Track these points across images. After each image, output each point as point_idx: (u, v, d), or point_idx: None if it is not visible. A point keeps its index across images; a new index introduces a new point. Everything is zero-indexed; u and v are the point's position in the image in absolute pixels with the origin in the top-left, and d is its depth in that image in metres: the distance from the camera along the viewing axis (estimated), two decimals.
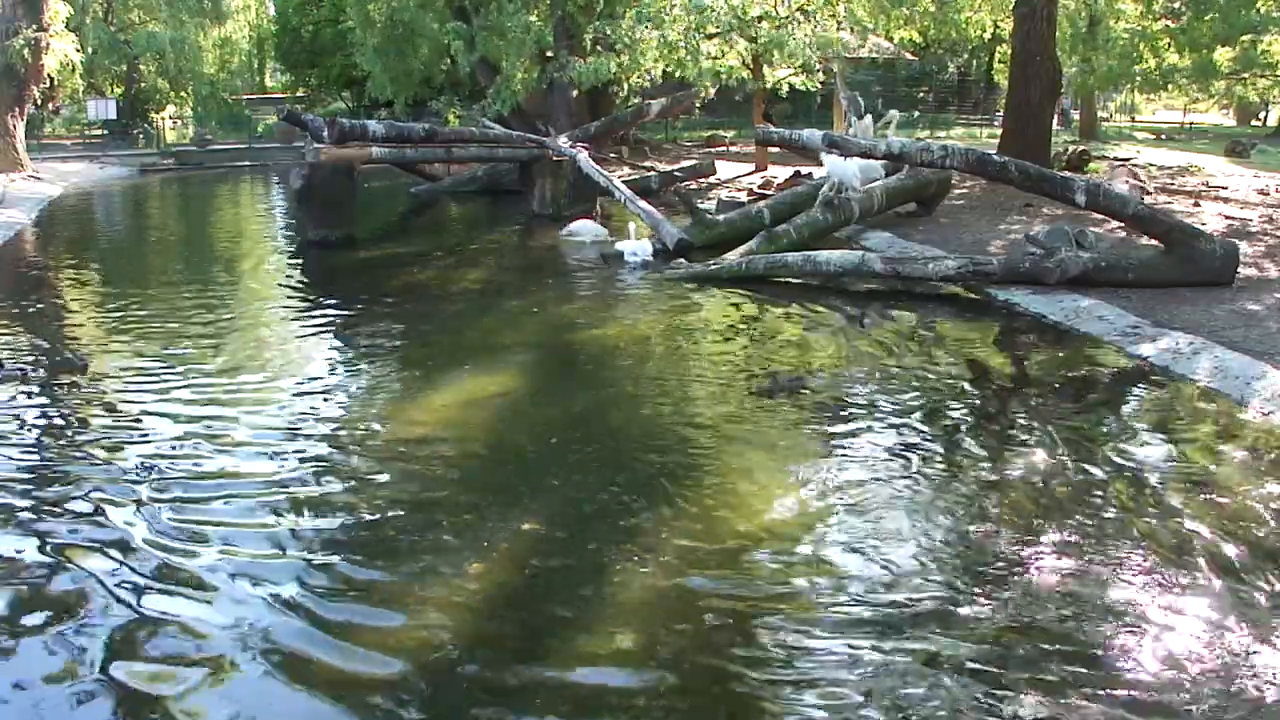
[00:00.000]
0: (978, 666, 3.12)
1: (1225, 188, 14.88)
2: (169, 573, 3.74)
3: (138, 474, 4.67)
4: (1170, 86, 18.90)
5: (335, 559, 3.86)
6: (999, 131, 17.93)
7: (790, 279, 8.98)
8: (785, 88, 19.66)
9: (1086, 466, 4.72)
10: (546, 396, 6.11)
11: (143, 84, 29.80)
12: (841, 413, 5.57)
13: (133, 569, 3.76)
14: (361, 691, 3.06)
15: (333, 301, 8.83)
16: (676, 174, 16.46)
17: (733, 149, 23.60)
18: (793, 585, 3.65)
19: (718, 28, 17.97)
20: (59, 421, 5.56)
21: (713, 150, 23.24)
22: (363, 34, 23.07)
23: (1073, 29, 18.96)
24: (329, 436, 5.23)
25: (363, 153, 12.43)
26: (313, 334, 7.72)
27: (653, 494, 4.45)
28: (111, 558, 3.85)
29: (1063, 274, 8.15)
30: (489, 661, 3.21)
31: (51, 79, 22.07)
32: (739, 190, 15.27)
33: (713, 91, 19.55)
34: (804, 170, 15.24)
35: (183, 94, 30.70)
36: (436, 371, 6.56)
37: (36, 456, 4.98)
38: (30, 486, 4.57)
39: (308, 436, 5.22)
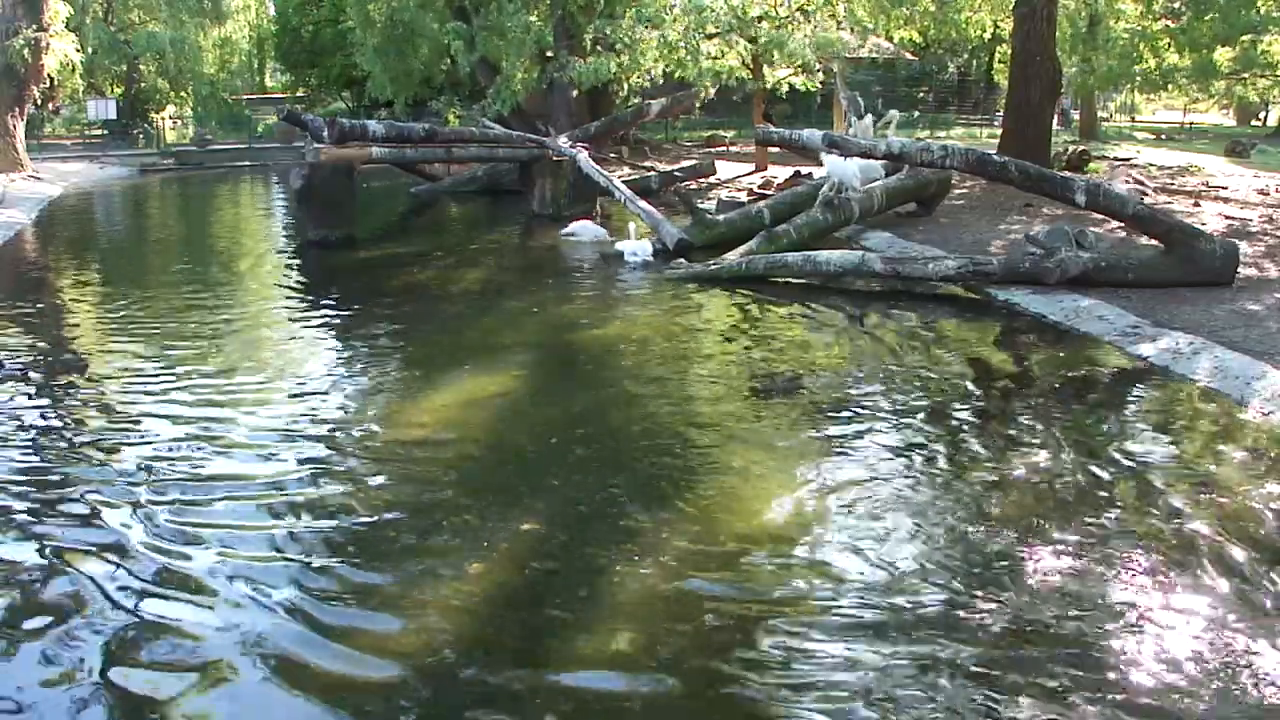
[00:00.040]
0: (978, 668, 3.11)
1: (1225, 188, 14.87)
2: (167, 576, 3.73)
3: (136, 476, 4.66)
4: (1170, 86, 18.87)
5: (334, 561, 3.85)
6: (999, 131, 17.92)
7: (790, 279, 8.98)
8: (785, 88, 19.67)
9: (1086, 467, 4.71)
10: (546, 396, 6.10)
11: (143, 84, 29.83)
12: (841, 413, 5.56)
13: (130, 572, 3.74)
14: (360, 695, 3.05)
15: (332, 302, 8.82)
16: (676, 174, 16.45)
17: (733, 149, 23.60)
18: (793, 586, 3.64)
19: (718, 28, 17.98)
20: (57, 423, 5.54)
21: (713, 150, 23.24)
22: (363, 34, 23.05)
23: (1073, 29, 18.93)
24: (328, 437, 5.22)
25: (363, 153, 12.42)
26: (312, 334, 7.71)
27: (652, 494, 4.44)
28: (109, 561, 3.83)
29: (1063, 274, 8.14)
30: (488, 664, 3.20)
31: (51, 79, 22.08)
32: (739, 190, 15.26)
33: (713, 92, 19.54)
34: (804, 170, 15.23)
35: (183, 94, 30.74)
36: (436, 372, 6.55)
37: (35, 458, 4.97)
38: (28, 488, 4.55)
39: (307, 437, 5.21)
